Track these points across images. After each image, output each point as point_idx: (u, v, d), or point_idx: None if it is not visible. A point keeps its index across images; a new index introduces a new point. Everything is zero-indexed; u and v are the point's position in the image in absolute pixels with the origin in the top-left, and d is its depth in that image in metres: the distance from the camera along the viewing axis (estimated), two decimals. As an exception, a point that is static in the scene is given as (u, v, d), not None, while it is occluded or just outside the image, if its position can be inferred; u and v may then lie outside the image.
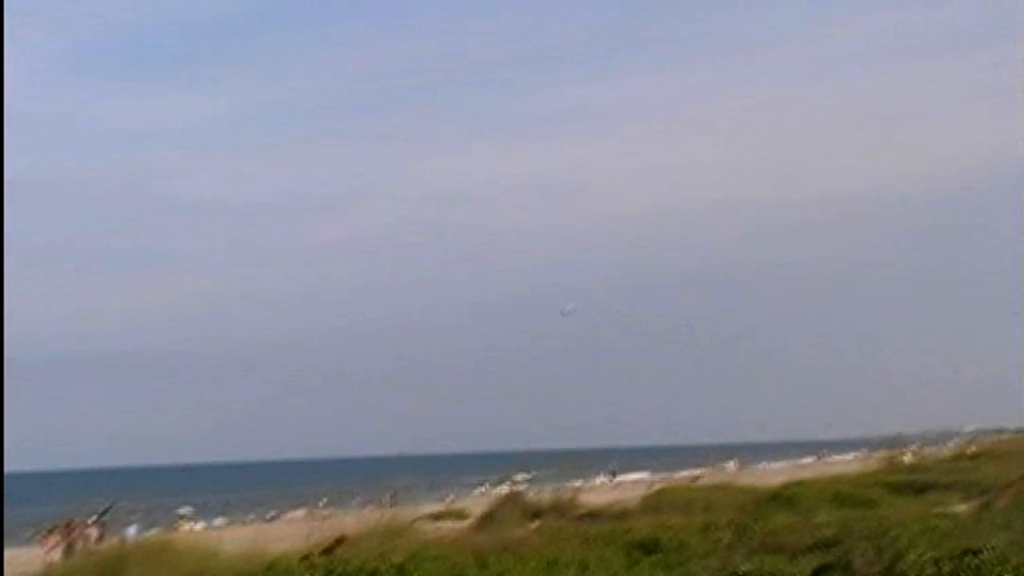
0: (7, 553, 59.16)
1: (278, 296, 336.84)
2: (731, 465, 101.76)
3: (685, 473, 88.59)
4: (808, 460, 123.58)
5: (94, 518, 42.59)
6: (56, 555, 37.48)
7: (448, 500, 76.31)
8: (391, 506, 38.31)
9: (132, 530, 38.40)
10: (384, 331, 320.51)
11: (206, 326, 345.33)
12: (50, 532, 43.50)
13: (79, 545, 37.72)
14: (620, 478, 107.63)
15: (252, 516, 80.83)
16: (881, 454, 52.46)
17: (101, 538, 37.43)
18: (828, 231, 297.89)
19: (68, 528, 40.47)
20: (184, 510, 76.17)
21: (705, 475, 75.47)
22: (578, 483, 55.03)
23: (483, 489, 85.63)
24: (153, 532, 41.27)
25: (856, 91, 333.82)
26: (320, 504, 52.65)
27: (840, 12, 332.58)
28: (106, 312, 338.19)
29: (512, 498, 35.50)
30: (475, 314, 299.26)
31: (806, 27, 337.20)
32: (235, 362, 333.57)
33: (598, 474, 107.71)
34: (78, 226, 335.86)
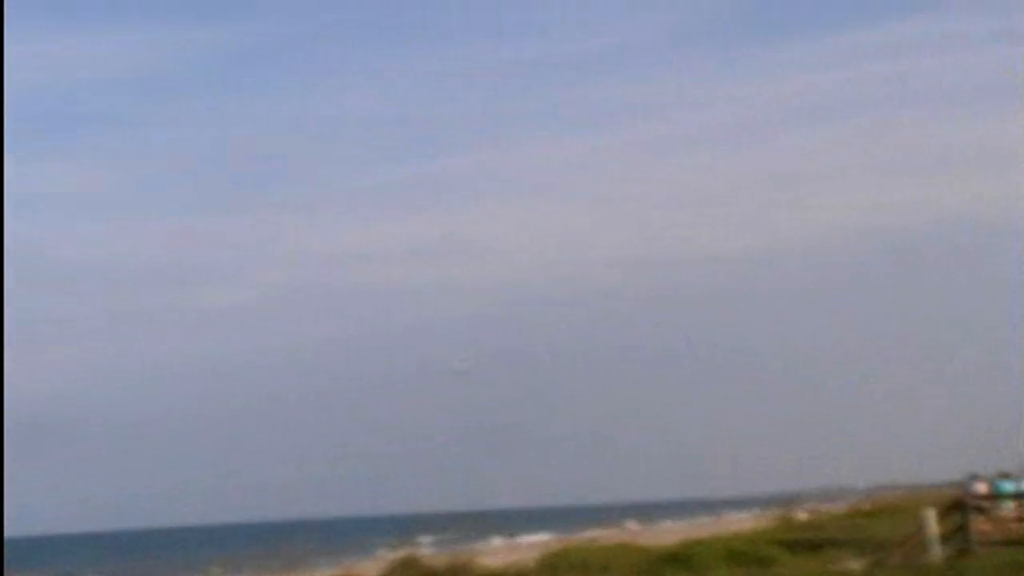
0: None
1: (158, 363, 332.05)
2: (630, 524, 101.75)
3: (584, 533, 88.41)
4: (705, 518, 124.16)
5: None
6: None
7: (345, 564, 75.36)
8: (286, 572, 37.57)
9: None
10: (271, 395, 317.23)
11: (87, 393, 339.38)
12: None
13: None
14: (519, 539, 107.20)
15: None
16: (776, 511, 52.80)
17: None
18: (711, 293, 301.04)
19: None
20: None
21: (604, 535, 75.36)
22: (478, 545, 54.65)
23: (382, 552, 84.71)
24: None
25: (737, 157, 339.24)
26: (212, 572, 51.71)
27: (724, 82, 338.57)
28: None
29: (408, 562, 35.03)
30: (363, 377, 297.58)
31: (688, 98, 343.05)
32: (112, 429, 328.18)
33: (498, 536, 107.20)
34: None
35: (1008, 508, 31.93)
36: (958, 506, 29.75)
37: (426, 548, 38.32)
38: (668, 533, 77.25)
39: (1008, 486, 34.39)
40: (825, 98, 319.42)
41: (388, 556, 41.10)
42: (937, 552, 27.58)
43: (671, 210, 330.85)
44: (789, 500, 56.46)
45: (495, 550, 77.14)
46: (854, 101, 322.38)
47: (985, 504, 31.40)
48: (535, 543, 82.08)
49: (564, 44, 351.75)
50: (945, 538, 28.23)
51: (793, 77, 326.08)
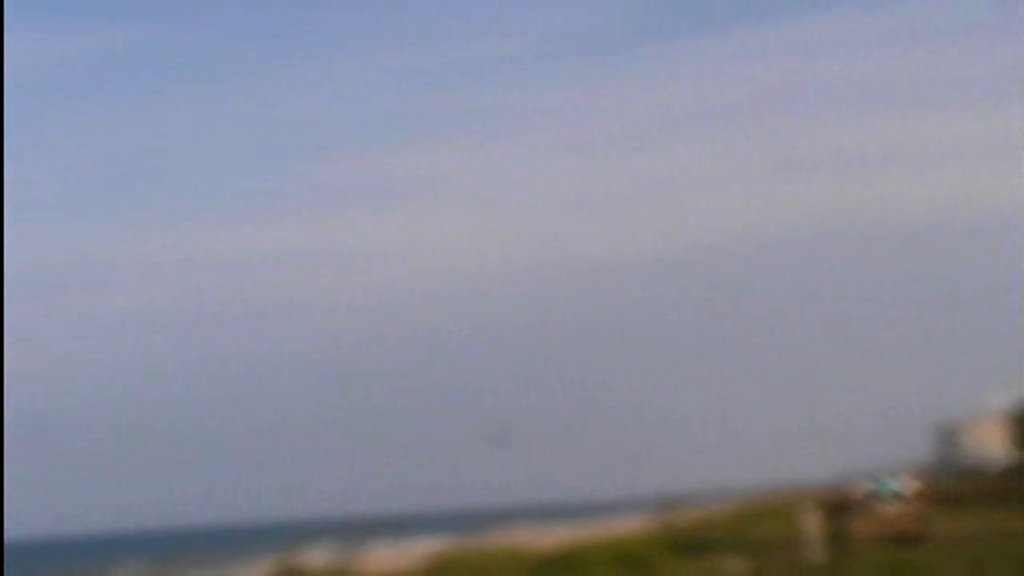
0: None
1: (32, 370, 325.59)
2: (511, 527, 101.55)
3: (468, 537, 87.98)
4: (586, 521, 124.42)
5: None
6: None
7: (224, 573, 74.12)
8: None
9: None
10: (136, 404, 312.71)
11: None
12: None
13: None
14: (402, 544, 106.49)
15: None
16: (660, 514, 52.82)
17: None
18: (582, 292, 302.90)
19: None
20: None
21: (487, 539, 75.01)
22: (360, 550, 53.91)
23: (266, 559, 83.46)
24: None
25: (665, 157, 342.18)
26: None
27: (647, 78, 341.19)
28: None
29: (288, 568, 34.44)
30: (237, 382, 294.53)
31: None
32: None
33: (381, 540, 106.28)
34: None
35: (891, 507, 32.15)
36: (840, 506, 29.93)
37: (315, 553, 37.72)
38: (548, 536, 77.20)
39: (892, 484, 34.58)
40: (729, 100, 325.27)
41: (270, 563, 40.49)
42: (818, 552, 27.67)
43: (582, 211, 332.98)
44: (673, 502, 56.49)
45: (384, 555, 76.51)
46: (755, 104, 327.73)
47: (867, 503, 31.62)
48: (427, 548, 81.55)
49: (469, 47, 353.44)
50: (827, 538, 28.35)
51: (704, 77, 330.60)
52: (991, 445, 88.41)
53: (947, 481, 63.10)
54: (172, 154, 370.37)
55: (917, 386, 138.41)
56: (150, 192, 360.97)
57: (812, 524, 28.60)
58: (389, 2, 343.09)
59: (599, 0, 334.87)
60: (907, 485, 34.49)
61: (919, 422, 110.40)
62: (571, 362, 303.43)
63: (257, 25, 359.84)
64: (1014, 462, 68.12)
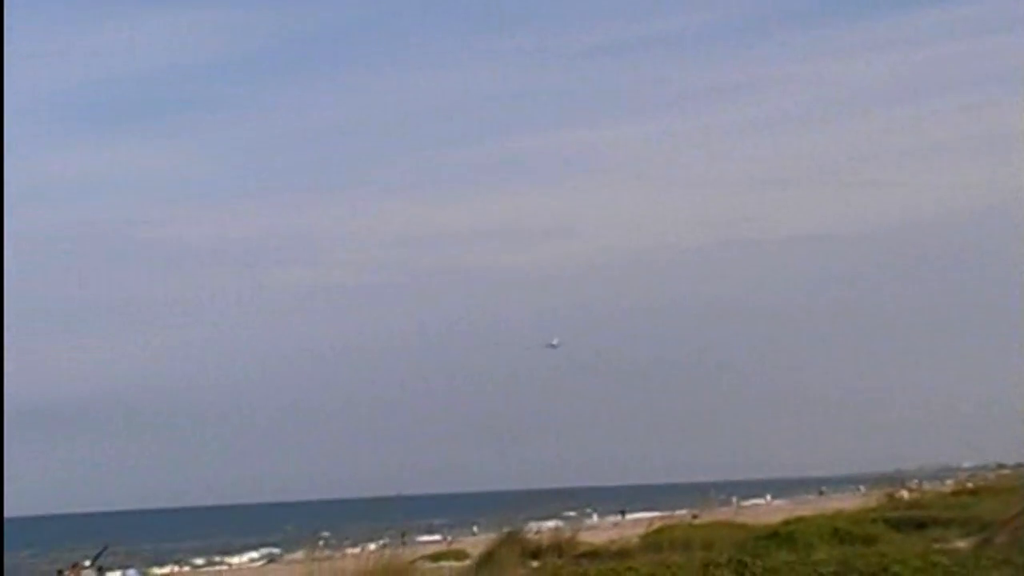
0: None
1: (251, 339, 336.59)
2: (731, 503, 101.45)
3: (685, 511, 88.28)
4: (807, 497, 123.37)
5: (89, 562, 42.61)
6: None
7: (448, 540, 76.16)
8: (402, 545, 38.09)
9: (131, 573, 38.31)
10: (356, 371, 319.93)
11: (178, 372, 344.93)
12: (59, 574, 43.72)
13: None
14: (623, 517, 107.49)
15: (252, 557, 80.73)
16: (880, 490, 52.34)
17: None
18: (819, 269, 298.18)
19: (74, 571, 40.65)
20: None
21: (704, 513, 75.19)
22: (583, 522, 54.83)
23: (475, 529, 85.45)
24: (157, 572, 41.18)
25: (842, 134, 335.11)
26: (319, 545, 52.37)
27: (826, 56, 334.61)
28: (81, 360, 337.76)
29: (511, 538, 35.28)
30: (460, 352, 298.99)
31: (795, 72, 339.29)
32: (211, 406, 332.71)
33: (598, 513, 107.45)
34: (50, 276, 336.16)
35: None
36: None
37: (530, 524, 38.54)
38: (768, 511, 77.03)
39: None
40: (911, 78, 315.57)
41: (491, 532, 41.45)
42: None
43: (751, 191, 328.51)
44: (893, 479, 55.86)
45: (599, 527, 77.52)
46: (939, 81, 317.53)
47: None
48: (639, 520, 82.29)
49: (639, 27, 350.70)
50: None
51: (883, 56, 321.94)
52: None
53: None
54: (366, 133, 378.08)
55: None
56: (348, 169, 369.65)
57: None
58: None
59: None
60: None
61: None
62: (767, 338, 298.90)
63: (460, 3, 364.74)
64: None
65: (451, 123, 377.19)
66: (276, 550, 77.91)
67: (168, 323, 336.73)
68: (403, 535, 55.33)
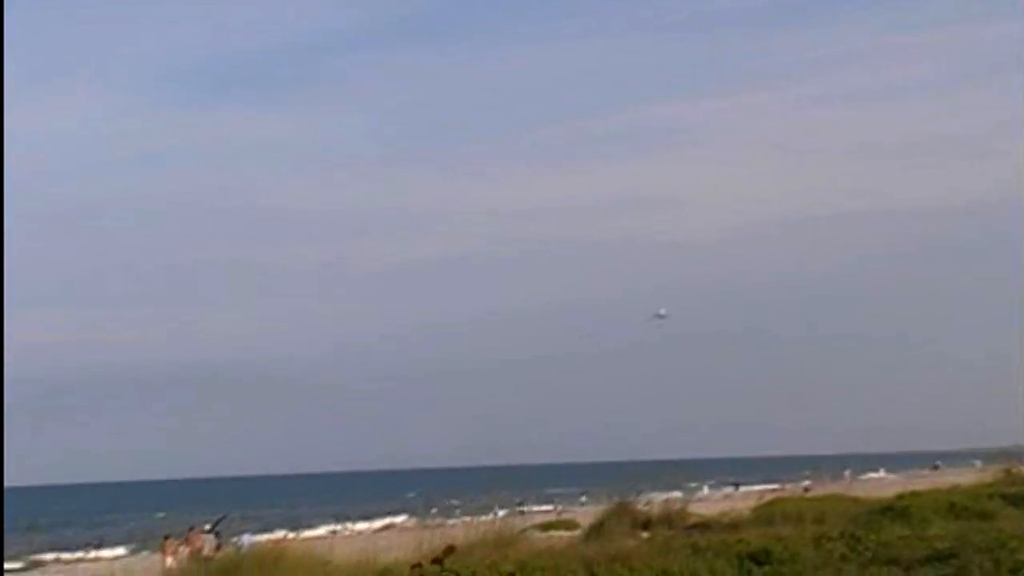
0: (125, 560, 60.76)
1: (368, 310, 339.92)
2: (844, 476, 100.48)
3: (796, 484, 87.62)
4: (921, 471, 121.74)
5: (208, 527, 43.45)
6: (174, 562, 38.19)
7: (557, 510, 76.36)
8: (519, 515, 38.41)
9: (246, 538, 38.98)
10: (471, 342, 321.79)
11: (293, 341, 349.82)
12: (165, 539, 44.60)
13: (200, 552, 38.43)
14: (733, 489, 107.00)
15: (361, 525, 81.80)
16: (998, 465, 51.44)
17: (219, 547, 38.10)
18: (934, 242, 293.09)
19: (191, 536, 41.45)
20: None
21: (817, 486, 74.55)
22: (687, 493, 54.78)
23: (583, 499, 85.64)
24: (265, 539, 41.87)
25: (936, 111, 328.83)
26: (430, 513, 52.94)
27: (925, 29, 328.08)
28: (192, 327, 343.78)
29: (621, 508, 35.35)
30: (567, 324, 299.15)
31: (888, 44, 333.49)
32: (327, 376, 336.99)
33: (711, 486, 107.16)
34: (168, 243, 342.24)
35: None
36: None
37: (649, 495, 38.61)
38: (882, 485, 76.14)
39: None
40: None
41: (600, 503, 41.51)
42: None
43: (864, 162, 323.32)
44: (1012, 454, 54.84)
45: (709, 499, 77.27)
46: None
47: None
48: (750, 493, 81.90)
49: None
50: None
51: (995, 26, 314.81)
52: None
53: None
54: (480, 104, 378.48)
55: None
56: (451, 143, 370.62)
57: None
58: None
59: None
60: None
61: None
62: (880, 311, 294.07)
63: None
64: None
65: (563, 96, 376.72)
66: (400, 518, 79.09)
67: (282, 292, 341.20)
68: (520, 504, 55.89)
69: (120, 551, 69.53)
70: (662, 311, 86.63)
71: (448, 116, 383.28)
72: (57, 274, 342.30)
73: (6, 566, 55.86)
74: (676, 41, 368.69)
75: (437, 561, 15.54)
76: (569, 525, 47.26)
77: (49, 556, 70.07)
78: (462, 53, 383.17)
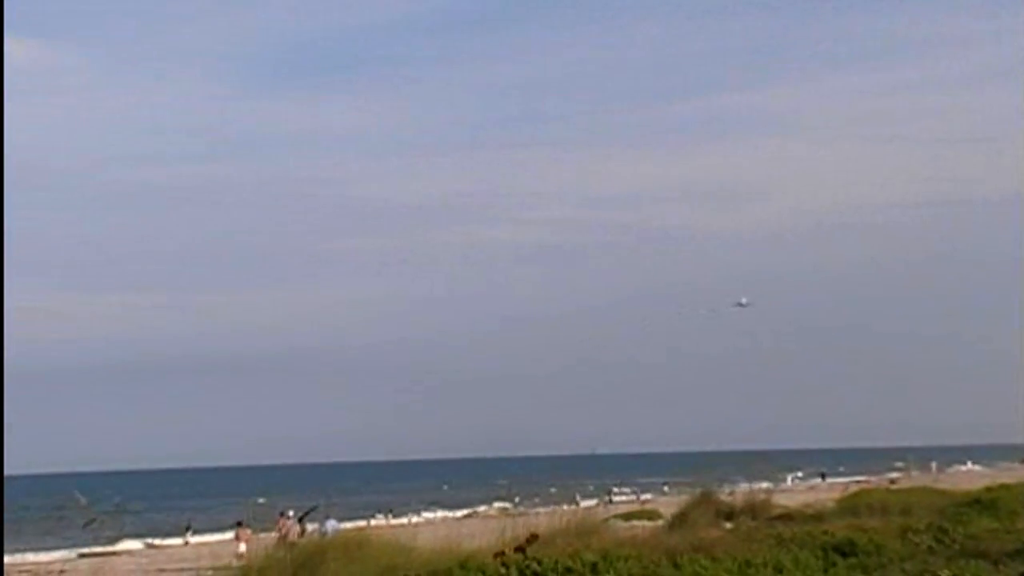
0: (199, 539, 61.88)
1: (444, 296, 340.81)
2: (930, 468, 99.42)
3: (882, 476, 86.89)
4: (1010, 464, 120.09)
5: (292, 512, 43.90)
6: (247, 549, 38.66)
7: (640, 500, 76.33)
8: (607, 504, 38.46)
9: (330, 524, 39.28)
10: (559, 330, 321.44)
11: (364, 327, 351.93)
12: (238, 525, 45.31)
13: (286, 538, 38.80)
14: (816, 480, 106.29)
15: (444, 512, 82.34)
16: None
17: (303, 533, 38.44)
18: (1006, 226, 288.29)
19: (281, 522, 41.89)
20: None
21: (902, 478, 73.91)
22: (773, 484, 54.48)
23: (666, 488, 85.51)
24: (351, 526, 42.28)
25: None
26: (514, 501, 53.04)
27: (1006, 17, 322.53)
28: (259, 312, 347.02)
29: (705, 498, 35.20)
30: (653, 314, 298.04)
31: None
32: (400, 361, 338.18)
33: (798, 476, 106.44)
34: (238, 229, 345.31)
35: None
36: None
37: (723, 485, 38.43)
38: (969, 477, 75.23)
39: None
40: None
41: (683, 492, 41.38)
42: None
43: (957, 149, 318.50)
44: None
45: (793, 490, 76.76)
46: None
47: None
48: (835, 484, 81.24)
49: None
50: None
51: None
52: None
53: None
54: (561, 90, 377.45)
55: None
56: (545, 125, 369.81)
57: None
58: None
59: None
60: None
61: None
62: (972, 302, 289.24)
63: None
64: None
65: (648, 81, 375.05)
66: (490, 506, 79.64)
67: (349, 278, 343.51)
68: (609, 494, 56.09)
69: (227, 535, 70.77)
70: (743, 300, 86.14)
71: (517, 104, 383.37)
72: (174, 258, 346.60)
73: (123, 546, 57.43)
74: (749, 27, 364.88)
75: (520, 549, 15.64)
76: (651, 515, 47.26)
77: (162, 541, 71.40)
78: (542, 38, 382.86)
